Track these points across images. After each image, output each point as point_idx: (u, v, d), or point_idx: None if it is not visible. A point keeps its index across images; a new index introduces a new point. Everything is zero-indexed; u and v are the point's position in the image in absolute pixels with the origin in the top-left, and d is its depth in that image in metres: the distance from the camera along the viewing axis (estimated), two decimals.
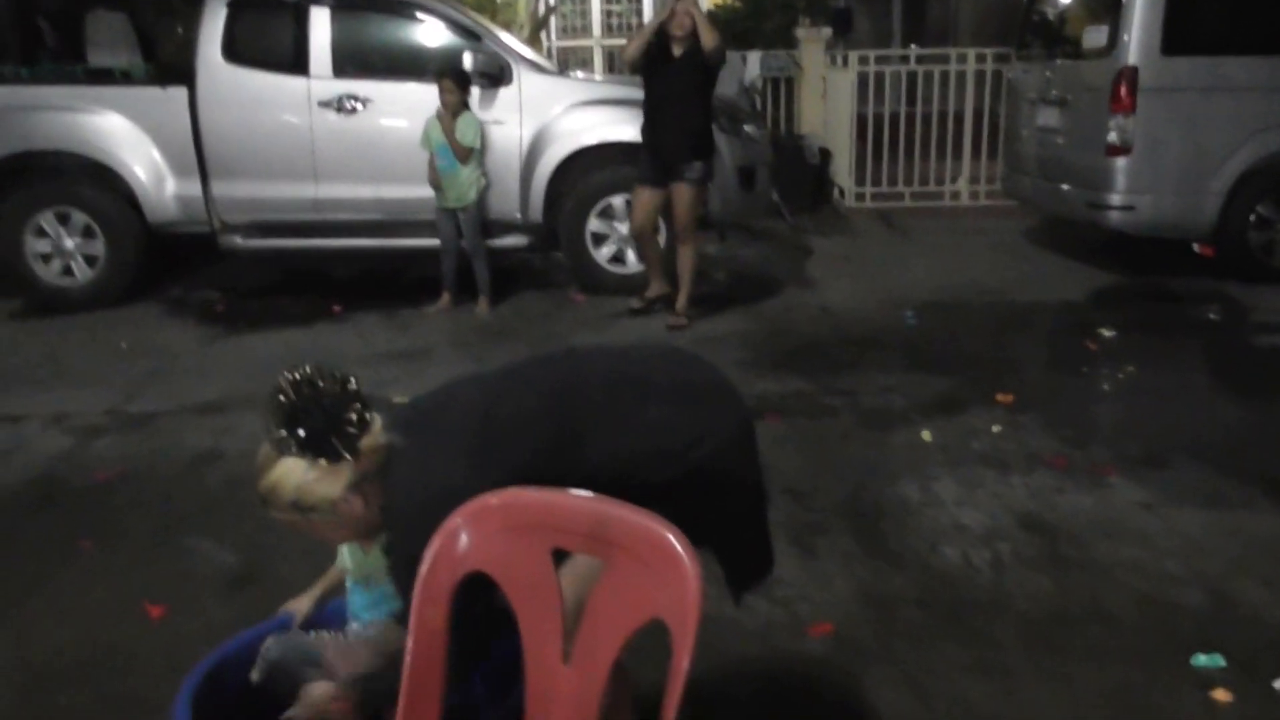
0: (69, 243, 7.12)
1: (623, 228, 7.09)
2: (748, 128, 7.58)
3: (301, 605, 2.42)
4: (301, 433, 1.89)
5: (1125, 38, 6.78)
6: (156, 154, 7.04)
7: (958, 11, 16.76)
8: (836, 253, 8.64)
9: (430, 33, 7.17)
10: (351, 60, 7.01)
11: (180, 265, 8.02)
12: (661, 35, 6.21)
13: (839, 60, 10.55)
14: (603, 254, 7.17)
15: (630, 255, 7.16)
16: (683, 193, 6.31)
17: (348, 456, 1.91)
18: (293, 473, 1.92)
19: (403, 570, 1.91)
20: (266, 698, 2.26)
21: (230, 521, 3.99)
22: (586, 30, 15.60)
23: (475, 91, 6.83)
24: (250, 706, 2.22)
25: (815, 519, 3.82)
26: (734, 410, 2.16)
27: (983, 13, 16.12)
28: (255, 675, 2.25)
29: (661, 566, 1.62)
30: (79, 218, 7.10)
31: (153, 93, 7.09)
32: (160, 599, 3.40)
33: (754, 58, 10.93)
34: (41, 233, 7.10)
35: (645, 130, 6.41)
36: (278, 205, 7.09)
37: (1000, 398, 4.96)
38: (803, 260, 8.39)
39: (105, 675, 3.01)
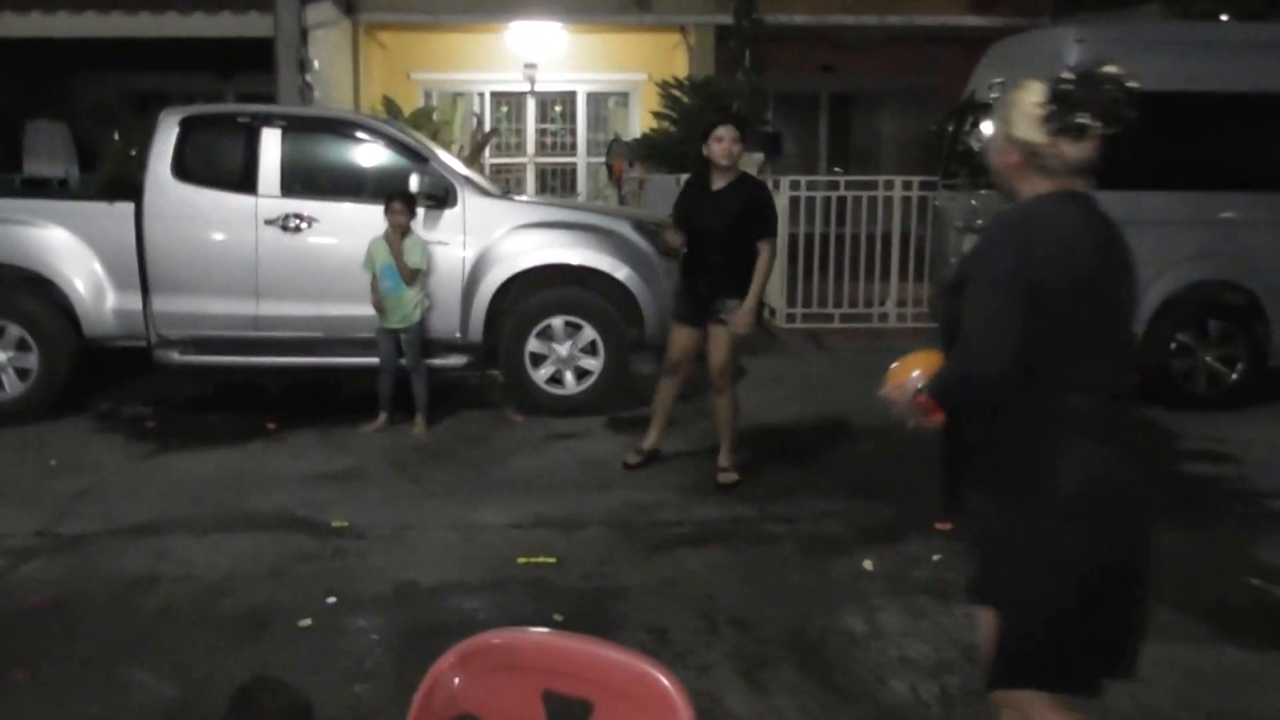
0: (1, 356, 7.01)
1: (561, 349, 7.17)
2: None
3: None
4: (1065, 89, 2.29)
5: None
6: (98, 268, 7.02)
7: (881, 135, 17.42)
8: (769, 373, 8.77)
9: (378, 154, 7.30)
10: (300, 180, 7.11)
11: (108, 377, 7.88)
12: (702, 165, 5.69)
13: (770, 185, 10.84)
14: (541, 374, 7.21)
15: (569, 377, 7.23)
16: (720, 335, 5.63)
17: (1091, 125, 2.29)
18: (1030, 96, 2.34)
19: (977, 277, 2.31)
20: None
21: (167, 650, 3.90)
22: (521, 149, 15.87)
23: (419, 213, 6.93)
24: None
25: (762, 651, 3.84)
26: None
27: (905, 137, 16.78)
28: None
29: (655, 709, 1.65)
30: (14, 331, 7.01)
31: (99, 208, 7.09)
32: None
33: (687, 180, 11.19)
34: None
35: (683, 265, 5.85)
36: (218, 321, 7.07)
37: (938, 525, 5.05)
38: (737, 381, 8.48)
39: None
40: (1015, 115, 2.36)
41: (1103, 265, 2.32)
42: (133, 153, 10.43)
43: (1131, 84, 2.28)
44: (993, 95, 7.99)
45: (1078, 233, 2.30)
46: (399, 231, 6.66)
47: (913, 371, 2.44)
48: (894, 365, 2.50)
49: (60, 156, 13.23)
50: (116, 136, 15.28)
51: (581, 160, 15.97)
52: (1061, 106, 2.29)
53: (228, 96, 14.80)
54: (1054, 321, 2.23)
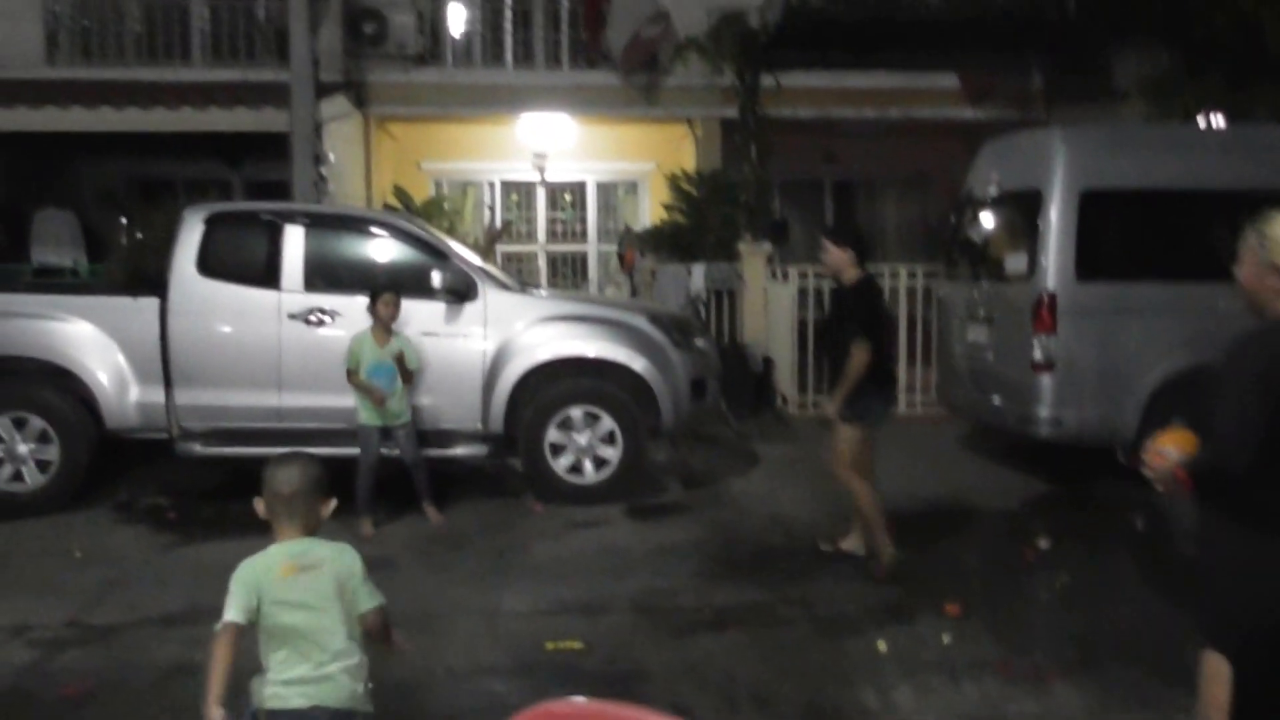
0: (22, 448, 7.30)
1: (580, 438, 7.50)
2: (698, 341, 8.13)
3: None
4: None
5: (1043, 264, 7.52)
6: (122, 361, 7.37)
7: (883, 221, 17.98)
8: (782, 459, 9.10)
9: (399, 251, 7.70)
10: (322, 275, 7.50)
11: (121, 467, 8.13)
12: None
13: (779, 274, 11.30)
14: (561, 464, 7.53)
15: (588, 465, 7.55)
16: (835, 426, 6.05)
17: None
18: None
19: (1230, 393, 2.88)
20: None
21: None
22: (532, 237, 16.37)
23: (442, 308, 7.34)
24: None
25: None
26: None
27: (907, 223, 17.33)
28: None
29: None
30: (36, 423, 7.31)
31: (124, 302, 7.47)
32: None
33: (698, 270, 11.66)
34: None
35: None
36: (240, 413, 7.40)
37: (948, 607, 5.34)
38: (750, 467, 8.84)
39: None
40: (1274, 245, 2.97)
41: None
42: (139, 235, 10.90)
43: None
44: (991, 191, 8.44)
45: None
46: (386, 324, 6.90)
47: (1170, 446, 3.00)
48: (1155, 438, 3.06)
49: (68, 245, 13.67)
50: (124, 221, 15.82)
51: (592, 248, 16.48)
52: None
53: (235, 184, 15.37)
54: None
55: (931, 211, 16.21)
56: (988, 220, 8.69)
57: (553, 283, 16.08)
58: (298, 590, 3.05)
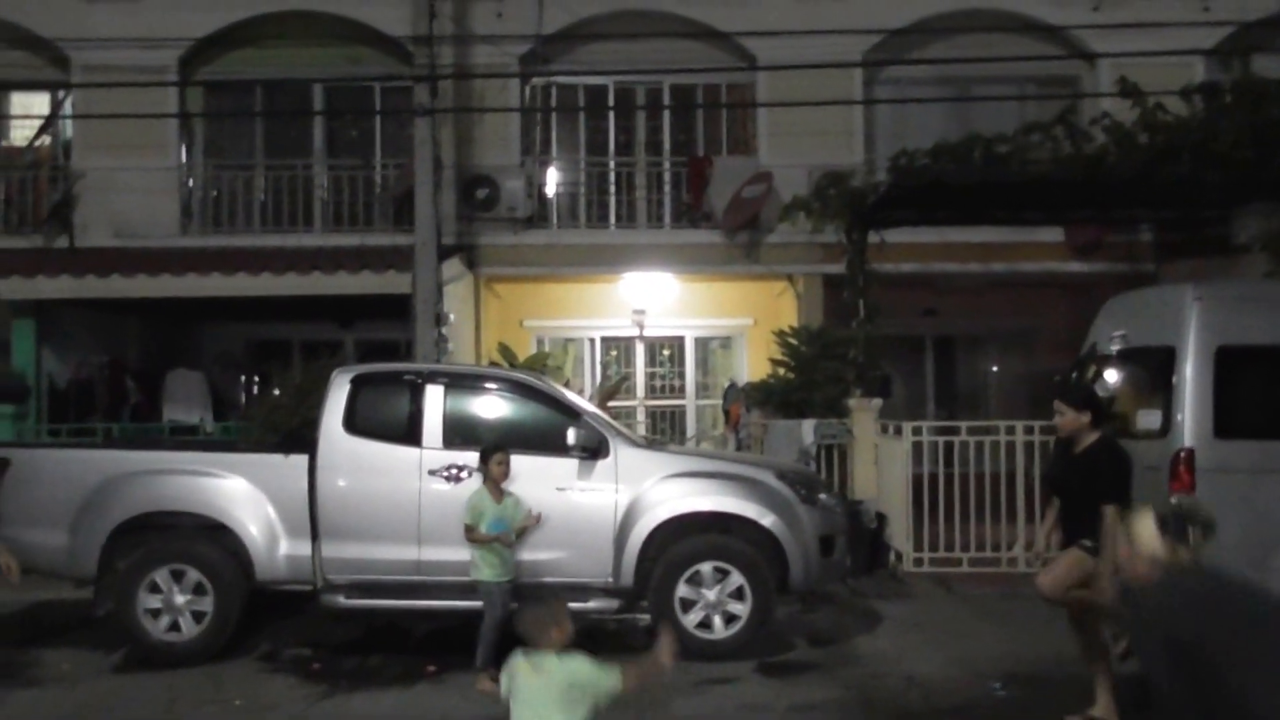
0: (179, 599, 7.70)
1: (709, 594, 7.69)
2: (823, 496, 8.34)
3: None
4: None
5: (1179, 420, 7.65)
6: (273, 515, 7.80)
7: (985, 376, 18.13)
8: (904, 618, 9.14)
9: (534, 410, 8.11)
10: (460, 433, 7.90)
11: (257, 619, 8.41)
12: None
13: (891, 429, 11.48)
14: (690, 619, 7.71)
15: (717, 621, 7.72)
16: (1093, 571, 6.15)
17: None
18: None
19: None
20: None
21: None
22: (631, 391, 16.83)
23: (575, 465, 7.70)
24: None
25: None
26: None
27: (1010, 378, 17.46)
28: None
29: None
30: (193, 575, 7.72)
31: (276, 459, 7.95)
32: None
33: (808, 425, 11.91)
34: (154, 588, 7.70)
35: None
36: (382, 566, 7.75)
37: None
38: (874, 626, 8.89)
39: None
40: None
41: None
42: (276, 392, 11.51)
43: None
44: (1117, 346, 8.64)
45: None
46: (497, 483, 7.23)
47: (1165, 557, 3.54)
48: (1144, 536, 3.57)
49: (197, 403, 14.51)
50: (243, 380, 16.69)
51: (690, 402, 16.87)
52: None
53: (347, 344, 16.14)
54: None
55: (1035, 366, 16.37)
56: (1114, 376, 8.86)
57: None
58: (528, 689, 4.01)
